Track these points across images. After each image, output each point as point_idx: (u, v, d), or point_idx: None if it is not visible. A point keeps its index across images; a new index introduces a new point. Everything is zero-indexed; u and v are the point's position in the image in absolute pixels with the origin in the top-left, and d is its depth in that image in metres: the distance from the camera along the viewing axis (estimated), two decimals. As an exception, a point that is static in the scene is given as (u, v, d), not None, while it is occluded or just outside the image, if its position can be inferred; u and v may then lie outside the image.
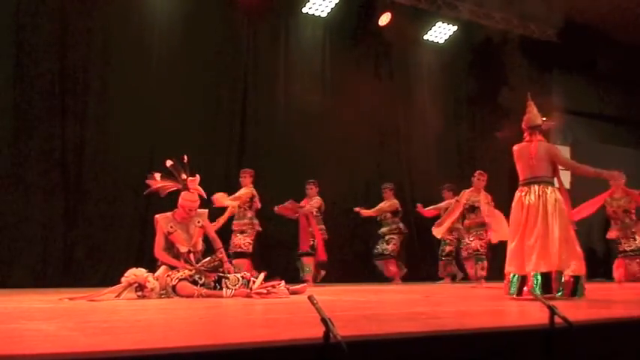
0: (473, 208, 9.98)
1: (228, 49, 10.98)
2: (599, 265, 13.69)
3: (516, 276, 6.18)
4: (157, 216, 7.04)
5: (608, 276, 13.12)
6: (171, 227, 6.93)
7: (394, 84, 12.71)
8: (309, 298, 2.78)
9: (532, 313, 4.56)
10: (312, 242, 10.08)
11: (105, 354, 2.66)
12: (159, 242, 6.93)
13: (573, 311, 4.11)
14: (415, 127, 12.90)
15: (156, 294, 6.38)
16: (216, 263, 6.88)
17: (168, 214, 7.04)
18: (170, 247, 6.93)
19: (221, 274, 6.74)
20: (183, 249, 6.89)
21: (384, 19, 12.00)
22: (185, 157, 6.93)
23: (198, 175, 7.31)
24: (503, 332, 3.50)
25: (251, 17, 11.12)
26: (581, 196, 10.17)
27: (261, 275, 6.86)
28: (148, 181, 7.09)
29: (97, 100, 9.73)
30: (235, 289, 6.56)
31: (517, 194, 6.37)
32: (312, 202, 10.16)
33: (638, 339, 3.76)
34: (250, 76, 11.14)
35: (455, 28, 12.80)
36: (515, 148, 6.49)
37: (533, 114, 6.56)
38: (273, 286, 6.64)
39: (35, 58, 9.29)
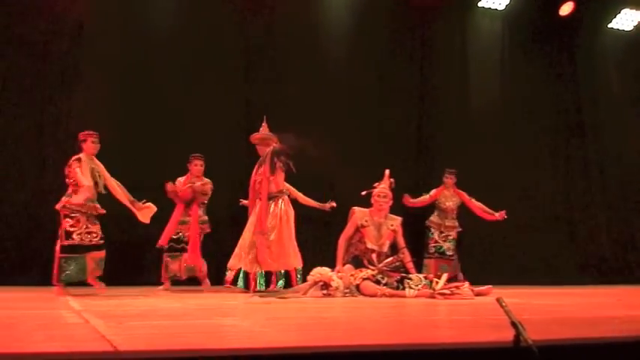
0: None
1: (403, 46, 10.96)
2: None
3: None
4: (354, 208, 7.40)
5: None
6: (365, 221, 7.22)
7: (577, 76, 12.07)
8: (498, 300, 2.71)
9: None
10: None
11: (294, 350, 2.75)
12: (347, 231, 7.32)
13: None
14: (604, 120, 12.18)
15: (340, 293, 6.53)
16: (397, 263, 6.94)
17: (366, 209, 7.34)
18: (358, 241, 7.18)
19: (403, 275, 6.78)
20: (370, 245, 7.06)
21: (566, 8, 11.45)
22: None
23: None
24: None
25: (426, 13, 11.03)
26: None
27: (445, 276, 6.82)
28: None
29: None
30: (418, 290, 6.56)
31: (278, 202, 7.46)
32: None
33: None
34: (427, 72, 11.04)
35: (644, 14, 11.93)
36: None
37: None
38: (457, 287, 6.57)
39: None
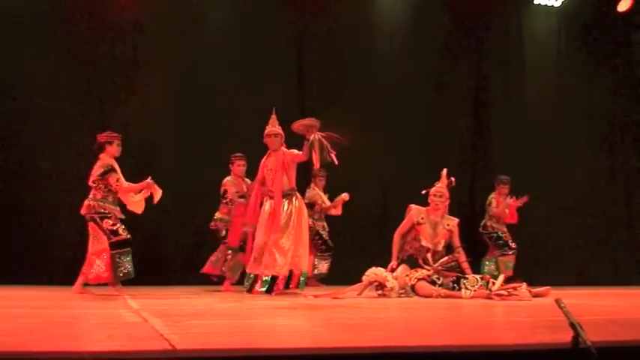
0: None
1: (459, 44, 10.85)
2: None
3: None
4: (412, 205, 7.35)
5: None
6: (421, 219, 7.20)
7: (636, 73, 11.73)
8: (556, 301, 2.67)
9: None
10: None
11: (350, 350, 2.76)
12: (402, 227, 7.27)
13: None
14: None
15: (395, 293, 6.51)
16: (452, 263, 6.89)
17: (422, 207, 7.30)
18: (413, 239, 7.17)
19: (459, 275, 6.72)
20: (425, 243, 7.06)
21: (624, 4, 11.15)
22: None
23: None
24: None
25: (482, 11, 10.90)
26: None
27: (501, 277, 6.75)
28: None
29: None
30: (474, 290, 6.49)
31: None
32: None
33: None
34: (483, 70, 10.92)
35: None
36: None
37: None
38: (515, 288, 6.47)
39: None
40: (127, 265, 6.43)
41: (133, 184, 6.67)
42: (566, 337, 2.51)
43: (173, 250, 8.85)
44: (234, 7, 9.62)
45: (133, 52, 9.02)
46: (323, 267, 8.89)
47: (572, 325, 2.48)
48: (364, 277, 6.62)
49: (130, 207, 6.73)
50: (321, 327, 3.73)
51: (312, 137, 6.62)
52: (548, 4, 11.28)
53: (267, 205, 6.95)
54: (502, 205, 9.19)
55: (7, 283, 7.24)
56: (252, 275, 6.86)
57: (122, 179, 6.57)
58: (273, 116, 7.11)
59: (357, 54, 10.05)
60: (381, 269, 6.67)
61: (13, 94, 8.40)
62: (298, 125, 6.81)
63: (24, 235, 8.23)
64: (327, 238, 8.93)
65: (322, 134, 6.66)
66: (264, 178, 7.05)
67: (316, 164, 6.76)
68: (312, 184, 8.95)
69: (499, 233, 9.28)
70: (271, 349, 2.70)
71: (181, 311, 4.75)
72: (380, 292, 6.54)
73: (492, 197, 9.31)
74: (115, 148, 6.60)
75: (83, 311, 4.73)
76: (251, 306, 5.39)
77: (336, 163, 6.70)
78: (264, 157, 7.13)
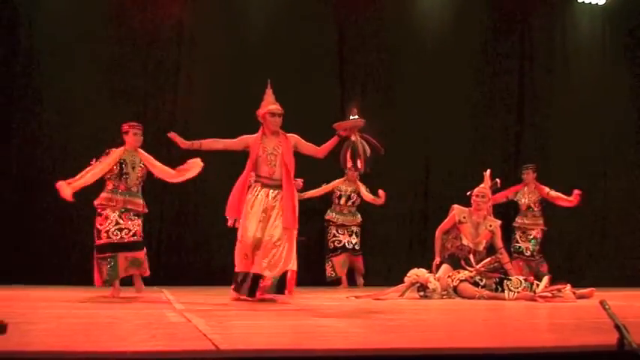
0: None
1: (502, 41, 10.75)
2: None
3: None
4: (455, 205, 7.34)
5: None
6: (463, 218, 7.18)
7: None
8: (601, 302, 2.64)
9: None
10: None
11: (391, 351, 2.76)
12: (444, 225, 7.27)
13: None
14: None
15: (437, 294, 6.49)
16: (495, 264, 6.84)
17: (465, 208, 7.28)
18: (454, 238, 7.17)
19: (503, 276, 6.66)
20: (466, 242, 7.04)
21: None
22: None
23: None
24: None
25: (524, 9, 10.79)
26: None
27: (545, 278, 6.68)
28: None
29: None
30: (518, 292, 6.43)
31: None
32: None
33: None
34: (526, 68, 10.82)
35: None
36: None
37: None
38: (559, 290, 6.40)
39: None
40: (104, 270, 6.03)
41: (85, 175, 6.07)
42: (611, 339, 2.49)
43: (217, 250, 8.94)
44: (277, 5, 9.66)
45: (177, 52, 9.13)
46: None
47: (618, 327, 2.45)
48: (406, 279, 6.61)
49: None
50: (362, 328, 3.74)
51: (354, 139, 5.95)
52: (592, 2, 11.11)
53: (261, 195, 5.89)
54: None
55: (47, 284, 7.40)
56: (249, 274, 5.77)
57: (102, 164, 6.09)
58: (270, 90, 6.23)
59: (399, 50, 10.03)
60: (423, 270, 6.66)
61: (58, 97, 8.55)
62: (345, 125, 5.96)
63: (69, 235, 8.36)
64: (332, 237, 8.91)
65: (360, 136, 6.05)
66: (256, 162, 6.01)
67: (358, 166, 6.05)
68: (346, 177, 8.97)
69: (513, 234, 9.18)
70: (313, 350, 2.72)
71: (224, 311, 4.80)
72: (422, 293, 6.52)
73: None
74: (131, 138, 6.23)
75: (126, 311, 4.77)
76: (292, 307, 5.41)
77: (363, 170, 6.28)
78: (258, 138, 6.08)
